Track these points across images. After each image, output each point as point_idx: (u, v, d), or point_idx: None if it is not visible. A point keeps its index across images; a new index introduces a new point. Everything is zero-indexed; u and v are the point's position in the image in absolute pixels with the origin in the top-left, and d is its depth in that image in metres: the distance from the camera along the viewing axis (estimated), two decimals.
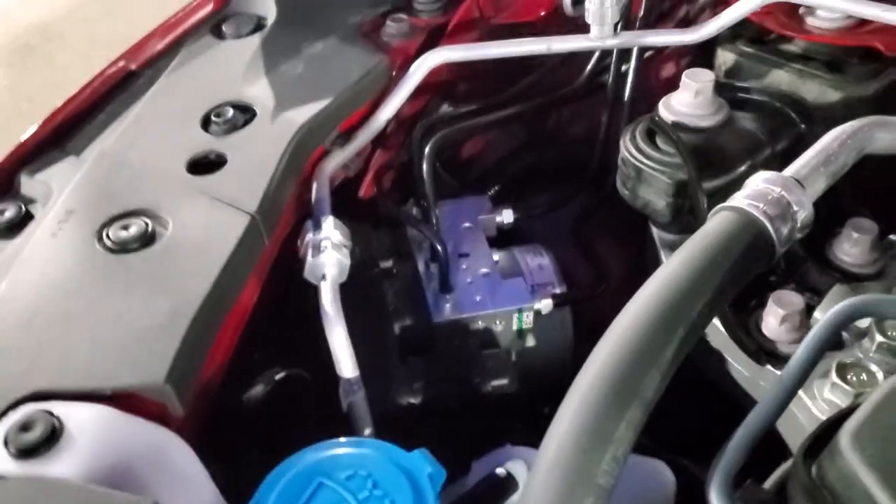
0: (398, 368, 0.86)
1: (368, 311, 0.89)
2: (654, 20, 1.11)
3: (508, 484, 0.71)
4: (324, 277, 0.79)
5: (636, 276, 1.00)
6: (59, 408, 0.62)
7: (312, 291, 0.81)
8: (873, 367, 0.74)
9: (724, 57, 1.05)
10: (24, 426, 0.60)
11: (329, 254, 0.80)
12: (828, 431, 0.56)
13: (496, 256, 0.99)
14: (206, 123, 0.90)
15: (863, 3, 0.95)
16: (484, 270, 0.96)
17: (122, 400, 0.64)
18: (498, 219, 1.05)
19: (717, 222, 0.67)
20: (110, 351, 0.67)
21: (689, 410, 0.87)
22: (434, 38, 1.09)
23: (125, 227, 0.77)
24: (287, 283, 0.85)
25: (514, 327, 0.92)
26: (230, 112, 0.90)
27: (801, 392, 0.71)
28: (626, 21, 1.05)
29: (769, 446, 0.65)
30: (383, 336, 0.90)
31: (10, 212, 0.87)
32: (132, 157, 0.86)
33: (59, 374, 0.65)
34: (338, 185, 0.96)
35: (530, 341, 0.93)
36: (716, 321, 0.83)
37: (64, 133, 0.97)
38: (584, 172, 1.13)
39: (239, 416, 0.82)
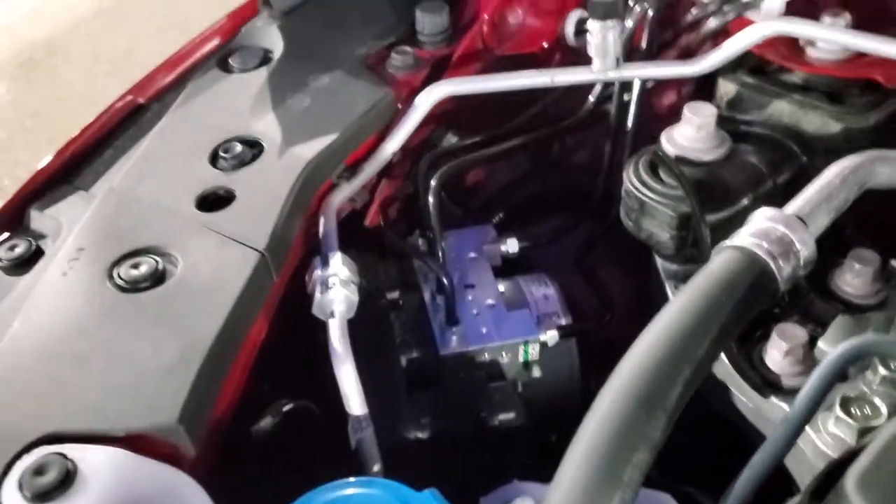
0: (406, 401, 0.87)
1: (375, 342, 0.90)
2: (656, 51, 1.12)
3: None
4: (332, 314, 0.80)
5: (641, 307, 1.02)
6: (72, 450, 0.63)
7: (319, 324, 0.81)
8: (877, 401, 0.75)
9: (726, 87, 1.06)
10: (39, 470, 0.61)
11: (337, 290, 0.81)
12: (834, 473, 0.56)
13: (501, 287, 1.00)
14: (214, 159, 0.91)
15: (862, 35, 0.96)
16: (490, 302, 0.96)
17: (134, 441, 0.65)
18: (503, 248, 1.05)
19: (720, 261, 0.68)
20: (122, 392, 0.68)
21: (693, 440, 0.87)
22: (438, 69, 1.10)
23: (135, 266, 0.78)
24: (294, 317, 0.86)
25: (520, 359, 0.93)
26: (238, 147, 0.91)
27: None
28: (628, 51, 1.07)
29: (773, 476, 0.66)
30: (390, 368, 0.91)
31: (20, 247, 0.88)
32: (141, 194, 0.87)
33: (72, 415, 0.66)
34: (343, 217, 0.97)
35: (536, 372, 0.93)
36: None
37: (73, 167, 0.98)
38: (588, 201, 1.14)
39: (248, 451, 0.83)
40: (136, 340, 0.72)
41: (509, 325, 0.94)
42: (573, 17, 1.18)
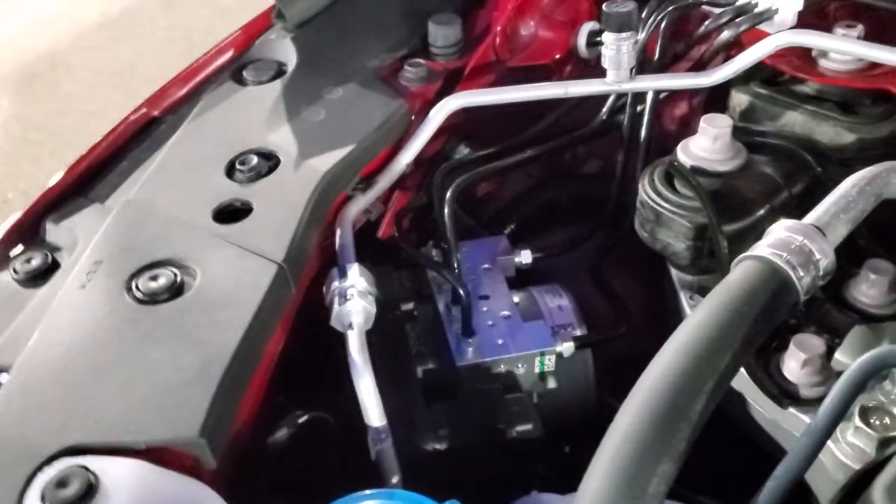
0: (423, 413, 0.86)
1: (390, 354, 0.90)
2: (669, 62, 1.12)
3: None
4: (350, 326, 0.80)
5: (656, 317, 1.02)
6: (94, 463, 0.63)
7: (335, 335, 0.81)
8: None
9: (739, 98, 1.06)
10: (61, 482, 0.61)
11: (355, 302, 0.81)
12: (858, 485, 0.57)
13: (516, 298, 1.00)
14: (230, 171, 0.92)
15: (875, 46, 0.97)
16: (505, 313, 0.96)
17: (156, 453, 0.65)
18: (517, 259, 1.05)
19: (741, 272, 0.68)
20: (143, 404, 0.68)
21: (711, 450, 0.87)
22: (451, 81, 1.10)
23: (154, 278, 0.78)
24: (310, 328, 0.86)
25: (536, 370, 0.93)
26: (254, 160, 0.92)
27: None
28: (641, 62, 1.07)
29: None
30: (406, 379, 0.91)
31: (36, 260, 0.88)
32: (158, 206, 0.88)
33: (93, 428, 0.66)
34: (357, 228, 0.97)
35: (551, 383, 0.93)
36: None
37: (88, 180, 0.98)
38: (601, 211, 1.14)
39: (266, 462, 0.83)
40: (156, 352, 0.72)
41: (525, 336, 0.93)
42: (585, 28, 1.19)
